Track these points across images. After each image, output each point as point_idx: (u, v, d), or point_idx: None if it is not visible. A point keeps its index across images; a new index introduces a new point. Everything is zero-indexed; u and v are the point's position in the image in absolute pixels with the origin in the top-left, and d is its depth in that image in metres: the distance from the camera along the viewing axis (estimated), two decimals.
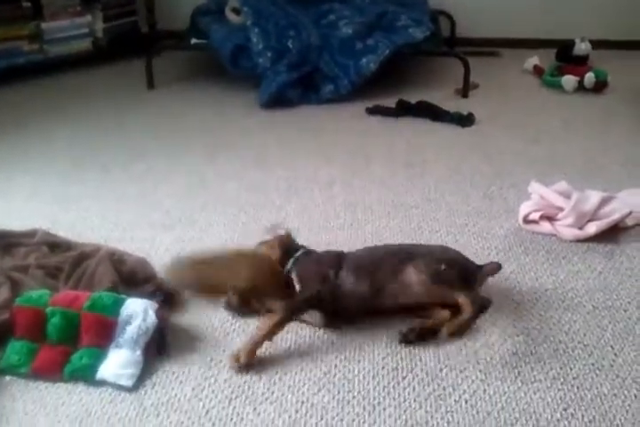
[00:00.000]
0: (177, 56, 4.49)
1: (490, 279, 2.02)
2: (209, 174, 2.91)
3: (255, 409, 1.64)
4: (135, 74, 4.13)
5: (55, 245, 2.24)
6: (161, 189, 2.77)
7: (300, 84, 3.76)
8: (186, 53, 4.52)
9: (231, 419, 1.62)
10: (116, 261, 2.09)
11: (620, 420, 1.60)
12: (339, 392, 1.69)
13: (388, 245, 2.14)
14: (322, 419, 1.61)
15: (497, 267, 1.99)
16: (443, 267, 1.87)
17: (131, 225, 2.48)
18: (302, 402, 1.66)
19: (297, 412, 1.64)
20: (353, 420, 1.61)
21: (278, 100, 3.70)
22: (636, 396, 1.67)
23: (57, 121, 3.52)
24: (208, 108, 3.73)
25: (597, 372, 1.75)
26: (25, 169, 2.97)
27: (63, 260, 2.11)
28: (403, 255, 1.94)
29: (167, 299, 1.98)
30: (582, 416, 1.61)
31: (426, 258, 1.91)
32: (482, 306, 1.85)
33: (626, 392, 1.68)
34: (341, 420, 1.61)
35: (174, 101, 3.84)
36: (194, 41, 4.03)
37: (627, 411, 1.62)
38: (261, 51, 3.73)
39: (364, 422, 1.60)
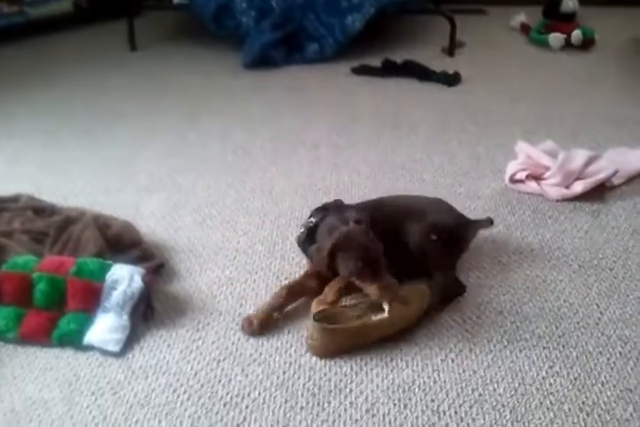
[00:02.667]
0: (159, 17, 4.44)
1: (475, 240, 2.02)
2: (193, 136, 2.89)
3: (243, 371, 1.65)
4: (117, 35, 4.07)
5: (40, 209, 2.24)
6: (144, 152, 2.75)
7: (284, 44, 3.72)
8: (168, 14, 4.47)
9: (219, 381, 1.62)
10: (102, 225, 2.08)
11: (605, 377, 1.61)
12: None
13: (399, 199, 2.12)
14: (309, 380, 1.62)
15: (489, 222, 2.00)
16: (433, 237, 1.88)
17: (115, 189, 2.47)
18: (290, 363, 1.67)
19: (285, 373, 1.64)
20: (340, 380, 1.62)
21: (262, 61, 3.67)
22: (620, 353, 1.68)
23: (38, 84, 3.48)
24: (191, 69, 3.69)
25: (583, 330, 1.76)
26: (7, 133, 2.94)
27: (48, 224, 2.10)
28: (402, 215, 1.95)
29: (155, 264, 1.98)
30: (567, 374, 1.62)
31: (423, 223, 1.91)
32: (447, 293, 1.84)
33: (611, 350, 1.69)
34: (329, 380, 1.62)
35: (157, 63, 3.80)
36: (176, 1, 3.99)
37: (612, 368, 1.64)
38: (245, 10, 3.68)
39: (351, 382, 1.61)
